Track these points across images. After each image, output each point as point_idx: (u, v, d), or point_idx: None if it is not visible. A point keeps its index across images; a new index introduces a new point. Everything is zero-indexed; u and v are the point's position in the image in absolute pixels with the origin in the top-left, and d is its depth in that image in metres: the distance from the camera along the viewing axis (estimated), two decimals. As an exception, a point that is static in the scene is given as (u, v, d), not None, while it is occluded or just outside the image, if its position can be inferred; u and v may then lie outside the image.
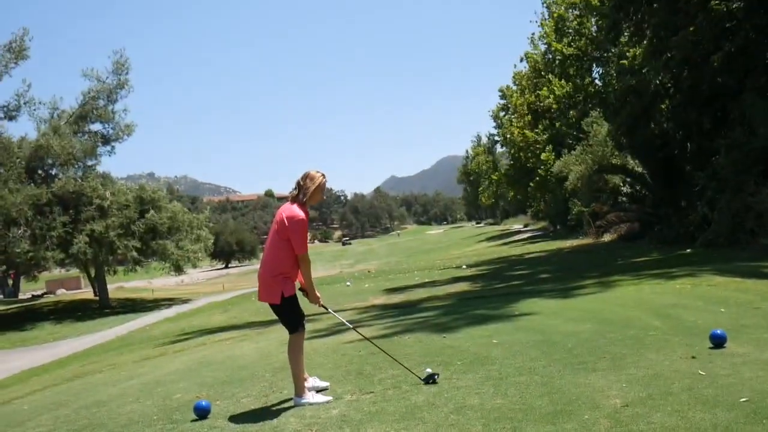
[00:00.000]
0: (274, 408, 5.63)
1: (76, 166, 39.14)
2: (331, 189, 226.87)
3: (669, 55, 25.39)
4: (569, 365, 5.91)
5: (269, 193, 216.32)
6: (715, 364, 5.47)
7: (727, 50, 23.80)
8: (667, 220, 28.47)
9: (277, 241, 5.64)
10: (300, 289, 5.93)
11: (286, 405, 5.66)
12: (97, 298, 45.45)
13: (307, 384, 5.90)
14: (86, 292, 56.42)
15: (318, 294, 5.94)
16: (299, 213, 5.57)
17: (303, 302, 5.77)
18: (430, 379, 5.80)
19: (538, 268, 23.56)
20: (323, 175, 5.83)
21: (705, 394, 4.63)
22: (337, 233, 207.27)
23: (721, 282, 11.50)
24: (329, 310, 6.33)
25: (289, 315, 5.71)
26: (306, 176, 5.76)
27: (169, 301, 43.97)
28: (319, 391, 5.90)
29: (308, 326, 12.22)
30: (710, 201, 22.50)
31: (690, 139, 26.04)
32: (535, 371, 5.81)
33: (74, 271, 62.96)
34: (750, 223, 18.23)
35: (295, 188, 5.75)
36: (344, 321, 6.81)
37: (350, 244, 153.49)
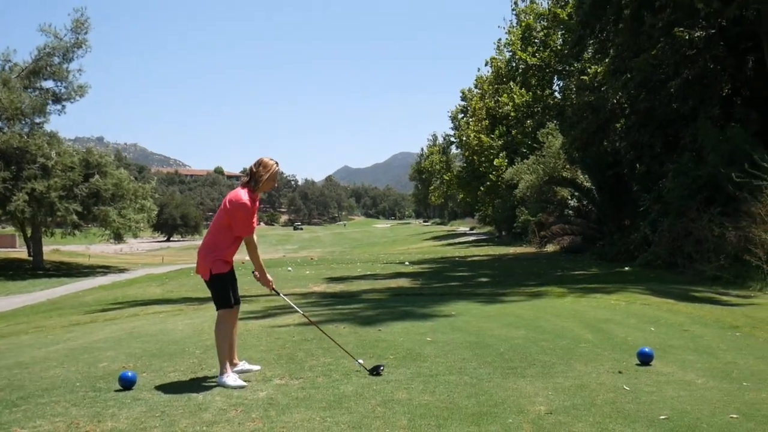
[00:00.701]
0: (201, 385, 5.59)
1: (23, 122, 38.04)
2: (282, 173, 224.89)
3: (629, 75, 25.81)
4: (499, 369, 5.99)
5: (219, 170, 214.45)
6: (640, 381, 5.60)
7: (685, 77, 24.29)
8: (609, 237, 29.00)
9: (219, 221, 5.72)
10: (252, 272, 5.98)
11: (213, 383, 5.63)
12: (31, 258, 44.42)
13: (237, 368, 5.90)
14: (20, 252, 55.03)
15: (269, 278, 6.00)
16: (242, 197, 5.62)
17: (254, 285, 5.78)
18: (375, 371, 5.81)
19: (479, 271, 23.76)
20: (276, 163, 5.86)
21: (627, 408, 4.74)
22: (284, 218, 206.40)
23: (654, 302, 11.75)
24: (280, 294, 6.39)
25: (217, 292, 5.76)
26: (259, 163, 5.78)
27: (106, 269, 43.22)
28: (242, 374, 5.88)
29: (245, 306, 12.16)
30: (653, 222, 22.95)
31: (640, 160, 26.48)
32: (465, 371, 5.87)
33: (10, 229, 61.34)
34: (688, 248, 18.64)
35: (247, 174, 5.76)
36: (294, 306, 6.77)
37: (302, 229, 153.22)
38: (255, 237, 5.79)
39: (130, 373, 5.61)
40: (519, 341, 7.39)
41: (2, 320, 17.20)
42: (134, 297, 19.78)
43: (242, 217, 5.62)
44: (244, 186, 5.72)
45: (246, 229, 5.67)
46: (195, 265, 6.02)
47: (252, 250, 5.79)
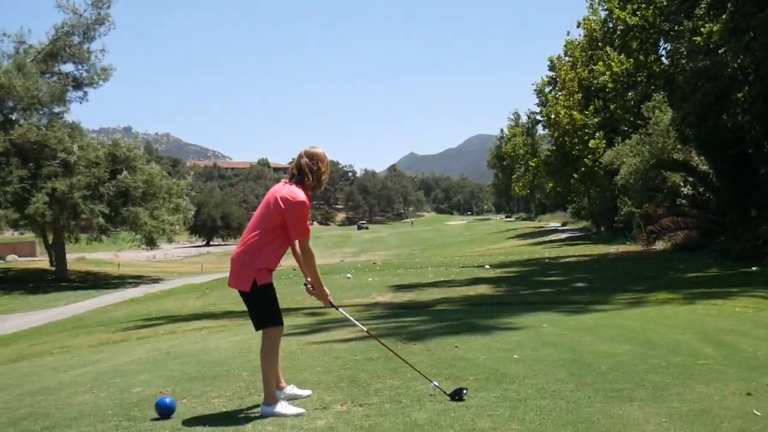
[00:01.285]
0: (249, 413, 5.64)
1: (41, 113, 39.17)
2: (337, 163, 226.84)
3: (752, 35, 25.17)
4: (601, 391, 5.91)
5: (264, 162, 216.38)
6: (774, 405, 5.46)
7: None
8: (732, 231, 28.34)
9: (263, 223, 5.62)
10: (305, 284, 5.97)
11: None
12: (54, 268, 45.65)
13: (285, 392, 5.93)
14: (41, 261, 56.77)
15: (327, 290, 5.95)
16: (300, 195, 5.55)
17: (306, 295, 5.77)
18: (456, 395, 5.78)
19: (574, 275, 23.52)
20: (325, 153, 5.84)
21: (759, 438, 4.63)
22: (341, 216, 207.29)
23: (790, 309, 11.46)
24: (339, 309, 6.35)
25: (261, 307, 5.69)
26: (314, 156, 5.73)
27: (137, 279, 44.18)
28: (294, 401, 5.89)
29: (296, 320, 12.27)
30: (787, 212, 22.41)
31: (769, 136, 25.88)
32: (560, 395, 5.82)
33: (29, 235, 63.14)
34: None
35: (295, 170, 5.71)
36: (355, 321, 6.68)
37: (366, 228, 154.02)
38: (311, 244, 5.74)
39: (168, 400, 5.68)
40: (624, 358, 7.29)
41: (24, 339, 17.78)
42: (170, 311, 20.17)
43: (302, 218, 5.54)
44: (297, 183, 5.65)
45: (305, 231, 5.60)
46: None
47: (308, 257, 5.70)
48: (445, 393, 5.85)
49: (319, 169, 5.68)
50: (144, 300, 28.16)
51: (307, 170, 5.66)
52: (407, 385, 6.20)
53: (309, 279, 5.93)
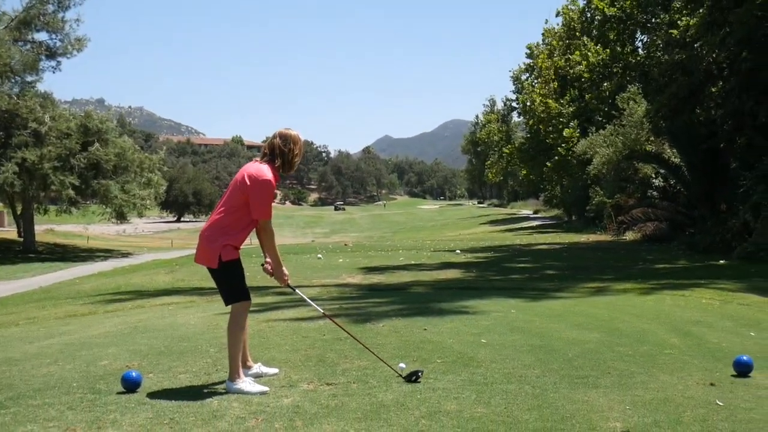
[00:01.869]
0: (216, 389, 5.64)
1: (13, 81, 38.69)
2: (311, 143, 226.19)
3: (728, 30, 25.31)
4: (567, 377, 5.95)
5: (237, 140, 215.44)
6: (736, 395, 5.52)
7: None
8: (701, 224, 28.60)
9: (230, 201, 5.64)
10: (262, 264, 5.96)
11: (230, 387, 5.68)
12: (21, 239, 45.28)
13: (251, 371, 5.94)
14: (9, 231, 56.19)
15: (285, 271, 5.93)
16: (266, 174, 5.56)
17: (256, 270, 5.76)
18: (413, 377, 5.80)
19: (544, 262, 23.62)
20: (302, 138, 5.85)
21: (720, 427, 4.67)
22: (314, 196, 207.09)
23: (755, 302, 11.59)
24: (296, 290, 6.33)
25: (228, 283, 5.71)
26: (287, 138, 5.72)
27: (106, 253, 43.94)
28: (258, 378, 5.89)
29: (267, 299, 12.24)
30: (755, 206, 22.59)
31: (740, 131, 26.00)
32: (526, 380, 5.85)
33: (-3, 205, 62.57)
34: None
35: (267, 150, 5.72)
36: (317, 307, 6.63)
37: (344, 209, 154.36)
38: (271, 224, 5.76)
39: (134, 374, 5.67)
40: (591, 345, 7.35)
41: (-12, 310, 17.59)
42: (139, 286, 20.05)
43: (265, 198, 5.56)
44: (267, 163, 5.66)
45: (267, 210, 5.61)
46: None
47: (268, 237, 5.72)
48: (400, 375, 5.89)
49: (291, 150, 5.68)
50: (113, 274, 27.97)
51: (278, 151, 5.67)
52: (374, 366, 6.21)
53: (268, 259, 5.94)
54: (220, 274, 5.65)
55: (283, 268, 5.89)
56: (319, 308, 6.60)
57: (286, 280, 5.93)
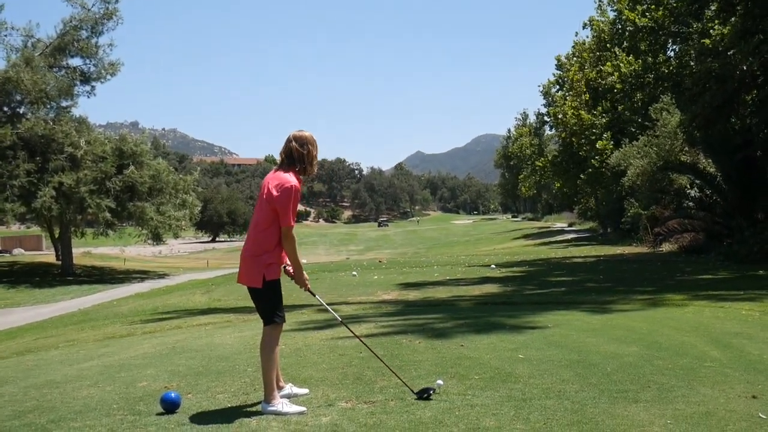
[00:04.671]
0: (253, 409, 5.65)
1: (48, 107, 39.20)
2: (344, 161, 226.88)
3: (761, 37, 25.08)
4: (607, 392, 5.90)
5: (271, 159, 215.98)
6: (780, 408, 5.45)
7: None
8: (739, 234, 28.24)
9: (265, 215, 5.62)
10: (284, 267, 5.94)
11: (268, 407, 5.69)
12: (60, 262, 45.73)
13: (283, 390, 5.94)
14: (47, 255, 56.86)
15: (305, 275, 5.91)
16: (291, 179, 5.56)
17: (291, 288, 5.76)
18: (424, 394, 5.79)
19: (581, 275, 23.48)
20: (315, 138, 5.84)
21: (764, 440, 4.62)
22: (347, 213, 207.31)
23: (797, 312, 11.42)
24: (316, 296, 6.34)
25: (268, 303, 5.71)
26: (303, 140, 5.72)
27: (143, 275, 44.24)
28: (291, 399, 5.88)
29: (304, 317, 12.28)
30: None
31: (777, 139, 25.77)
32: (565, 395, 5.81)
33: (35, 229, 63.24)
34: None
35: (285, 155, 5.71)
36: (335, 314, 6.68)
37: (387, 226, 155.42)
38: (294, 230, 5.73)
39: (173, 394, 5.70)
40: (630, 359, 7.28)
41: (30, 332, 17.82)
42: (176, 306, 20.20)
43: (292, 205, 5.53)
44: (287, 169, 5.66)
45: (290, 217, 5.57)
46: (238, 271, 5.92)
47: (289, 242, 5.64)
48: (411, 391, 5.87)
49: (309, 152, 5.69)
50: (150, 295, 28.19)
51: (297, 155, 5.67)
52: (412, 383, 6.18)
53: (287, 264, 5.94)
54: (263, 293, 5.65)
55: (303, 273, 5.87)
56: (336, 315, 6.66)
57: (306, 284, 5.91)
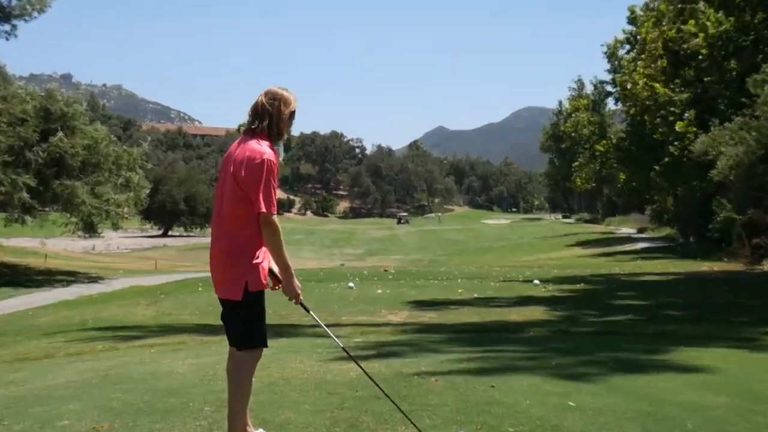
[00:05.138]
0: (212, 462, 5.61)
1: (-47, 50, 39.14)
2: (340, 135, 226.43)
3: None
4: (687, 457, 5.85)
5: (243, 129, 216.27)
6: None
7: None
8: None
9: (236, 198, 5.52)
10: (270, 274, 5.78)
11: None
12: (-41, 257, 45.78)
13: None
14: (-56, 247, 56.96)
15: (297, 282, 5.76)
16: (262, 149, 5.47)
17: (289, 308, 5.68)
18: None
19: (655, 299, 23.47)
20: (295, 96, 5.79)
21: None
22: (343, 205, 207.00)
23: None
24: (311, 313, 6.18)
25: (252, 320, 5.61)
26: (272, 94, 5.70)
27: (69, 276, 44.25)
28: None
29: (281, 340, 12.27)
30: None
31: None
32: (631, 459, 5.76)
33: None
34: None
35: (252, 113, 5.68)
36: (335, 338, 6.52)
37: (408, 223, 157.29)
38: (276, 218, 5.57)
39: (103, 439, 5.65)
40: (719, 413, 7.23)
41: None
42: (112, 321, 20.23)
43: (269, 184, 5.42)
44: (254, 134, 5.61)
45: (271, 200, 5.45)
46: (210, 277, 5.79)
47: (272, 233, 5.51)
48: None
49: (279, 110, 5.62)
50: (77, 304, 28.23)
51: (262, 111, 5.64)
52: (425, 435, 6.13)
53: (271, 265, 5.76)
54: (242, 308, 5.55)
55: (294, 279, 5.71)
56: (339, 341, 6.52)
57: (298, 295, 5.75)
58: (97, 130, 41.31)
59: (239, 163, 5.44)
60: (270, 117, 5.59)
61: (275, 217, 5.49)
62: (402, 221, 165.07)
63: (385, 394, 6.53)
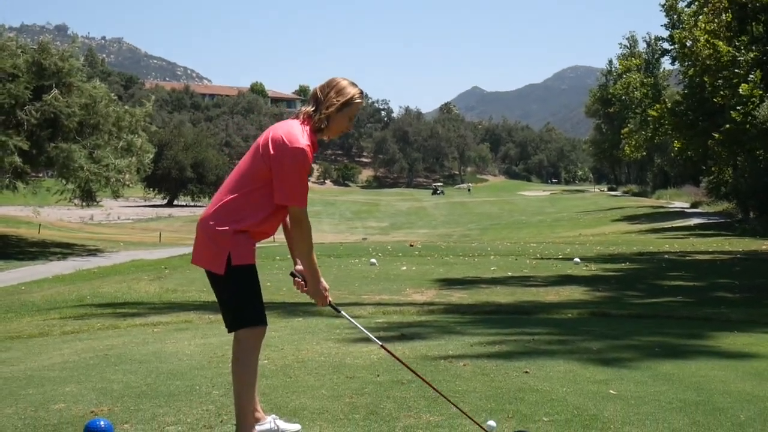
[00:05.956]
0: (220, 449, 5.67)
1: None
2: (365, 96, 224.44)
3: None
4: (738, 451, 5.87)
5: (258, 88, 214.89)
6: None
7: None
8: None
9: (251, 176, 5.52)
10: (292, 274, 5.87)
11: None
12: (-54, 226, 46.00)
13: (262, 425, 5.84)
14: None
15: (325, 284, 5.79)
16: (299, 137, 5.44)
17: (290, 288, 5.72)
18: None
19: (708, 280, 23.39)
20: (360, 91, 5.74)
21: None
22: (366, 174, 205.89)
23: None
24: (342, 312, 6.16)
25: (239, 297, 5.58)
26: (328, 83, 5.69)
27: (66, 249, 44.45)
28: None
29: (296, 320, 12.34)
30: None
31: None
32: (676, 453, 5.78)
33: None
34: None
35: (310, 102, 5.68)
36: (370, 335, 6.50)
37: (443, 194, 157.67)
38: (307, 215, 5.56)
39: (102, 423, 5.70)
40: (775, 404, 7.23)
41: None
42: (112, 297, 20.33)
43: (296, 173, 5.40)
44: (304, 120, 5.59)
45: (298, 194, 5.43)
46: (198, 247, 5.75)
47: (302, 234, 5.54)
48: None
49: (328, 98, 5.58)
50: (74, 279, 28.38)
51: (313, 98, 5.66)
52: (451, 423, 6.19)
53: (299, 266, 5.83)
54: (226, 284, 5.53)
55: (321, 280, 5.74)
56: (373, 337, 6.49)
57: (325, 297, 5.80)
58: (96, 87, 41.31)
59: (272, 140, 5.45)
60: (317, 104, 5.60)
61: (305, 212, 5.51)
62: (438, 192, 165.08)
63: (424, 380, 6.48)
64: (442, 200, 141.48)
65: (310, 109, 5.59)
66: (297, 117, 5.64)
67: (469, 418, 6.05)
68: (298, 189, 5.41)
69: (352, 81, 5.71)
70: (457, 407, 6.24)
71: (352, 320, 6.34)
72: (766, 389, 7.80)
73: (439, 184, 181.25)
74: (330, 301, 5.86)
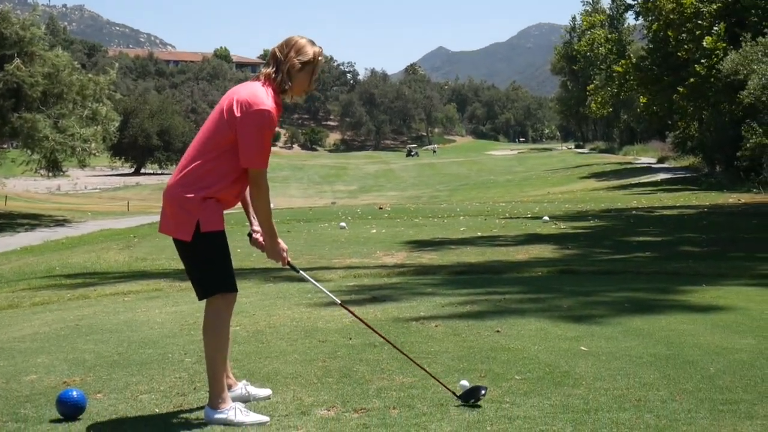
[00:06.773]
0: (193, 417, 5.67)
1: None
2: (330, 59, 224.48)
3: None
4: (707, 402, 5.89)
5: (222, 54, 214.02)
6: None
7: None
8: None
9: (215, 141, 5.50)
10: (249, 234, 5.90)
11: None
12: None
13: (234, 391, 5.85)
14: None
15: (282, 245, 5.81)
16: (263, 98, 5.43)
17: (259, 253, 5.69)
18: (470, 398, 5.79)
19: (676, 234, 23.51)
20: (320, 49, 5.72)
21: None
22: (333, 137, 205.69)
23: None
24: (300, 272, 6.19)
25: (205, 266, 5.57)
26: (289, 44, 5.64)
27: (33, 220, 44.21)
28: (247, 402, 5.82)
29: (267, 286, 12.34)
30: None
31: None
32: (647, 406, 5.80)
33: None
34: None
35: (270, 63, 5.64)
36: (326, 292, 6.55)
37: (417, 155, 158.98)
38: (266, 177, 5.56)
39: (75, 393, 5.66)
40: (743, 356, 7.28)
41: None
42: (81, 267, 20.26)
43: (260, 136, 5.39)
44: (265, 81, 5.57)
45: (261, 156, 5.43)
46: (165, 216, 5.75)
47: (260, 195, 5.53)
48: (454, 394, 5.86)
49: (289, 59, 5.55)
50: (42, 250, 28.28)
51: (272, 59, 5.63)
52: (424, 383, 6.21)
53: (256, 227, 5.87)
54: (194, 251, 5.50)
55: (279, 241, 5.76)
56: (331, 294, 6.53)
57: (283, 257, 5.81)
58: (59, 56, 41.05)
59: (238, 102, 5.41)
60: (277, 64, 5.56)
61: (265, 173, 5.49)
62: (412, 153, 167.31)
63: (388, 341, 6.51)
64: (410, 162, 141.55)
65: (270, 70, 5.56)
66: (258, 79, 5.61)
67: (434, 378, 6.09)
68: (261, 151, 5.42)
69: (310, 39, 5.68)
70: (422, 368, 6.25)
71: (311, 279, 6.36)
72: (735, 341, 7.87)
73: (413, 145, 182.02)
74: (288, 261, 5.87)
